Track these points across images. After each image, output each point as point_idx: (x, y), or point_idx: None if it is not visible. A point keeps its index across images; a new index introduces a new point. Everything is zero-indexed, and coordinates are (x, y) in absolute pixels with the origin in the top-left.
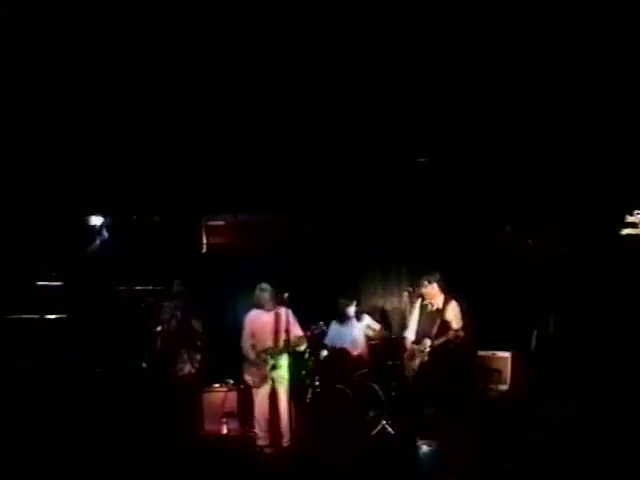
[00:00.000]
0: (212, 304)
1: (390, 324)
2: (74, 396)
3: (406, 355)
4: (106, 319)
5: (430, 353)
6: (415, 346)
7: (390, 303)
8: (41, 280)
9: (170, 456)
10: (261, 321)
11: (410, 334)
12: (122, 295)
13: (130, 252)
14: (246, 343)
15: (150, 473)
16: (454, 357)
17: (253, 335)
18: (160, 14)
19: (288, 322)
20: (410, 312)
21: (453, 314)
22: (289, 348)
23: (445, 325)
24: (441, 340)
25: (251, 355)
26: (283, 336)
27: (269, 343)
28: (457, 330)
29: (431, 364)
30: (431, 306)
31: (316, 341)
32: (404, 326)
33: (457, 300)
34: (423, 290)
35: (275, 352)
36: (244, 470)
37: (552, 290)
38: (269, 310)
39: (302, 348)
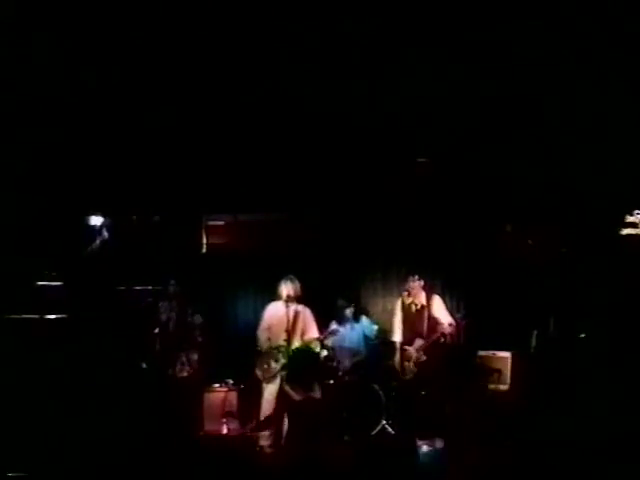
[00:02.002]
0: (212, 304)
1: (389, 324)
2: (74, 396)
3: (398, 357)
4: (106, 319)
5: (426, 352)
6: (408, 347)
7: (390, 303)
8: (41, 280)
9: (170, 456)
10: (278, 315)
11: (397, 337)
12: (122, 295)
13: (130, 252)
14: (262, 335)
15: (150, 473)
16: (450, 352)
17: (270, 328)
18: (163, 14)
19: (306, 323)
20: (393, 315)
21: (439, 309)
22: (305, 350)
23: (434, 321)
24: (434, 337)
25: (265, 348)
26: (298, 336)
27: (282, 340)
28: (449, 325)
29: (429, 362)
30: (415, 305)
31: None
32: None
33: (439, 295)
34: (412, 285)
35: (287, 350)
36: (244, 470)
37: (552, 290)
38: (291, 305)
39: (316, 350)
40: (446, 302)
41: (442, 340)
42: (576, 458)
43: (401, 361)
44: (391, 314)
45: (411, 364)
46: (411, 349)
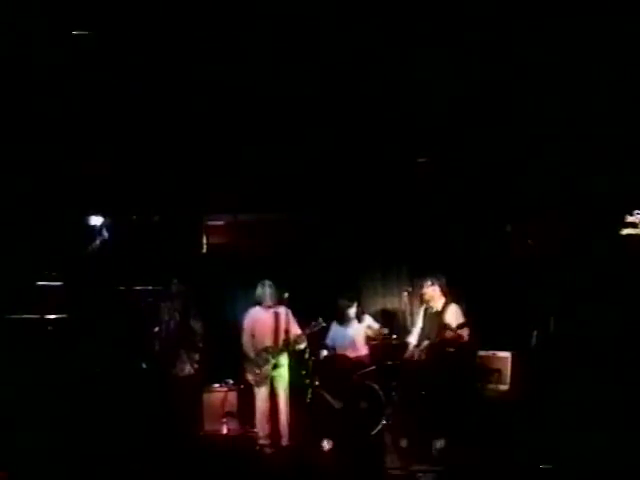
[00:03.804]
0: (212, 304)
1: (390, 324)
2: (74, 396)
3: (407, 357)
4: (106, 319)
5: (427, 352)
6: (415, 349)
7: (390, 303)
8: (41, 280)
9: (170, 456)
10: (261, 319)
11: (412, 339)
12: (122, 295)
13: (130, 252)
14: (247, 342)
15: (150, 473)
16: (453, 358)
17: (252, 335)
18: (163, 14)
19: (288, 321)
20: (413, 317)
21: (453, 317)
22: (289, 347)
23: (444, 328)
24: (437, 340)
25: (251, 354)
26: (283, 335)
27: (268, 342)
28: (455, 330)
29: (428, 363)
30: (431, 309)
31: (317, 340)
32: (405, 328)
33: (458, 303)
34: (424, 290)
35: (275, 351)
36: (244, 470)
37: (552, 290)
38: (269, 308)
39: (302, 346)
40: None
41: (448, 345)
42: (576, 458)
43: (406, 361)
44: (394, 313)
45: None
46: (415, 350)
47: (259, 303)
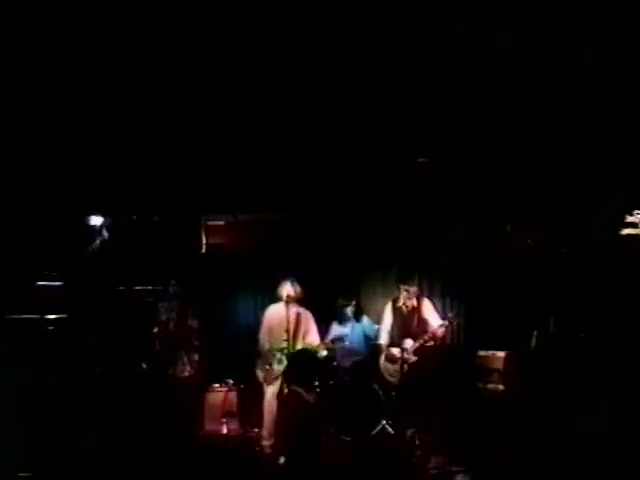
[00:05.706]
0: (211, 304)
1: None
2: (74, 396)
3: (384, 358)
4: (106, 319)
5: (416, 353)
6: (394, 349)
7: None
8: (41, 280)
9: (170, 456)
10: (279, 317)
11: (383, 339)
12: (122, 295)
13: (130, 252)
14: (263, 338)
15: (151, 473)
16: (439, 353)
17: (270, 329)
18: (164, 16)
19: (307, 324)
20: (381, 318)
21: (429, 311)
22: (305, 350)
23: (424, 323)
24: (424, 337)
25: (266, 351)
26: (300, 338)
27: (283, 341)
28: (439, 326)
29: (419, 363)
30: (406, 307)
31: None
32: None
33: (429, 298)
34: (410, 289)
35: (290, 352)
36: (244, 470)
37: (552, 290)
38: (290, 307)
39: (323, 354)
40: (446, 303)
41: (432, 342)
42: (575, 458)
43: (384, 363)
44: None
45: (397, 366)
46: (395, 351)
47: (280, 299)
